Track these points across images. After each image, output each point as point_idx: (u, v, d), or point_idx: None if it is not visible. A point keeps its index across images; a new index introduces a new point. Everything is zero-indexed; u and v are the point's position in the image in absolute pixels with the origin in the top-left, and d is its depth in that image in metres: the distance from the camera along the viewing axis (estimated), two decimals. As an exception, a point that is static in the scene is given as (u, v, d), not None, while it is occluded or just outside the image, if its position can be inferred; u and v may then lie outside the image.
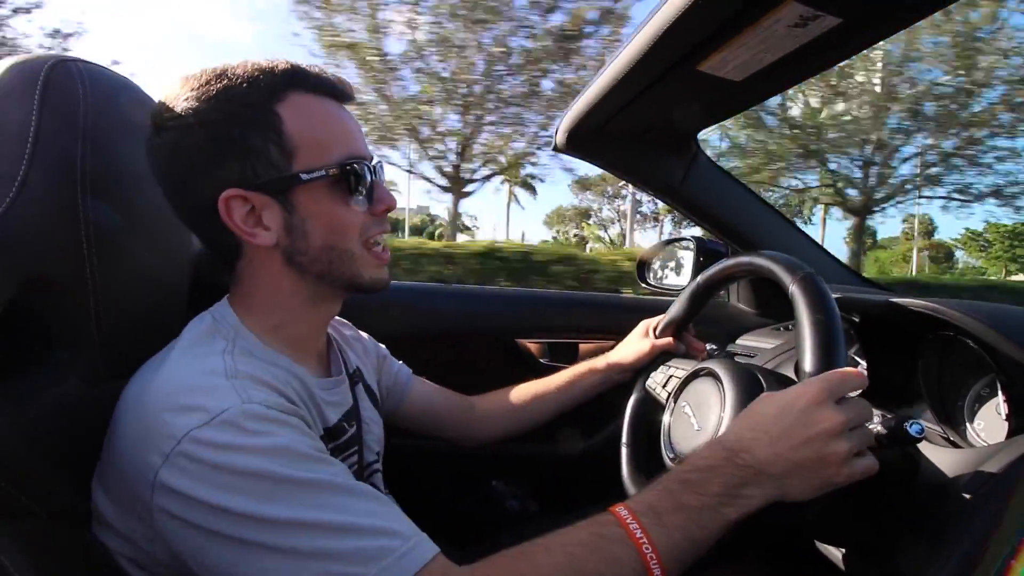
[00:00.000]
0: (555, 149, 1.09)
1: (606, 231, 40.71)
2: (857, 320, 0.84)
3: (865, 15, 0.62)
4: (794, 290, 0.62)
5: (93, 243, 0.56)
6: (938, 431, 0.69)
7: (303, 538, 0.47)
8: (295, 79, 0.59)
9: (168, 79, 0.60)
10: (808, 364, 0.56)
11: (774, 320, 1.26)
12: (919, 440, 0.53)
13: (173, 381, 0.53)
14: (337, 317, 0.87)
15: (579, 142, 1.06)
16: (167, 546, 0.52)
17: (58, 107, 0.53)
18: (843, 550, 0.66)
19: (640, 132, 1.01)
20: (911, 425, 0.53)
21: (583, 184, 34.45)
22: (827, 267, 1.11)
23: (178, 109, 0.56)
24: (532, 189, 35.13)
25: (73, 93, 0.55)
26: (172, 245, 0.72)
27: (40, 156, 0.52)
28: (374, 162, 0.64)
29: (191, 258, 0.78)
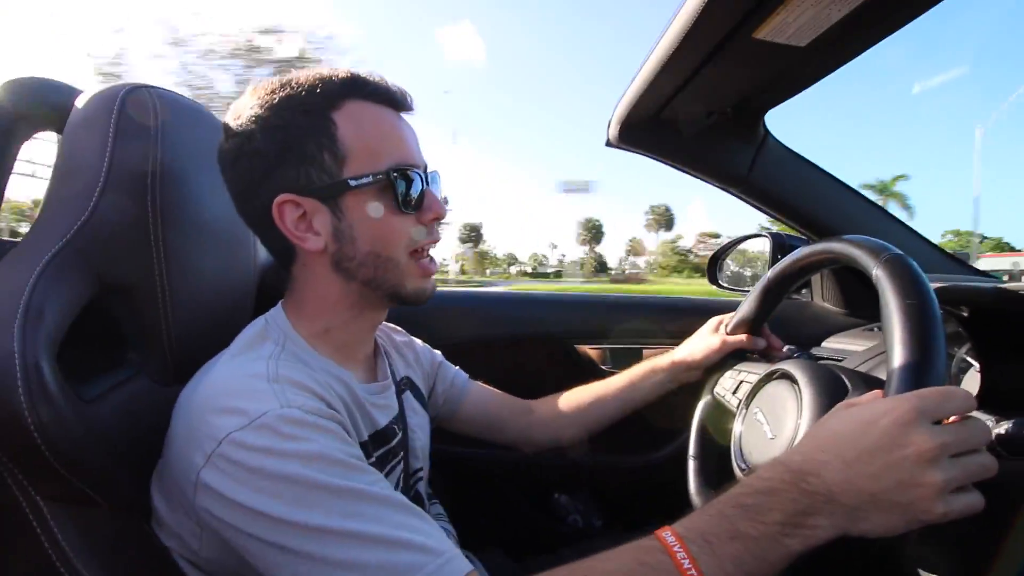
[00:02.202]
0: (608, 144, 1.04)
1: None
2: (967, 315, 0.72)
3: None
4: (878, 274, 0.53)
5: (163, 254, 0.60)
6: None
7: (334, 547, 0.46)
8: (353, 87, 0.60)
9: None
10: (898, 358, 0.47)
11: (866, 320, 1.12)
12: None
13: (218, 384, 0.55)
14: (390, 324, 0.88)
15: (633, 134, 1.00)
16: (212, 543, 0.53)
17: (131, 129, 0.58)
18: None
19: (700, 118, 0.94)
20: None
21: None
22: (926, 256, 0.98)
23: (244, 116, 0.59)
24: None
25: (145, 117, 0.59)
26: (239, 257, 0.76)
27: (115, 174, 0.57)
28: (428, 171, 0.64)
29: (258, 268, 0.82)
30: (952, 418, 0.45)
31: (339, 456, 0.50)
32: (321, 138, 0.58)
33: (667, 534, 0.45)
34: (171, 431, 0.55)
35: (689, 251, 74.63)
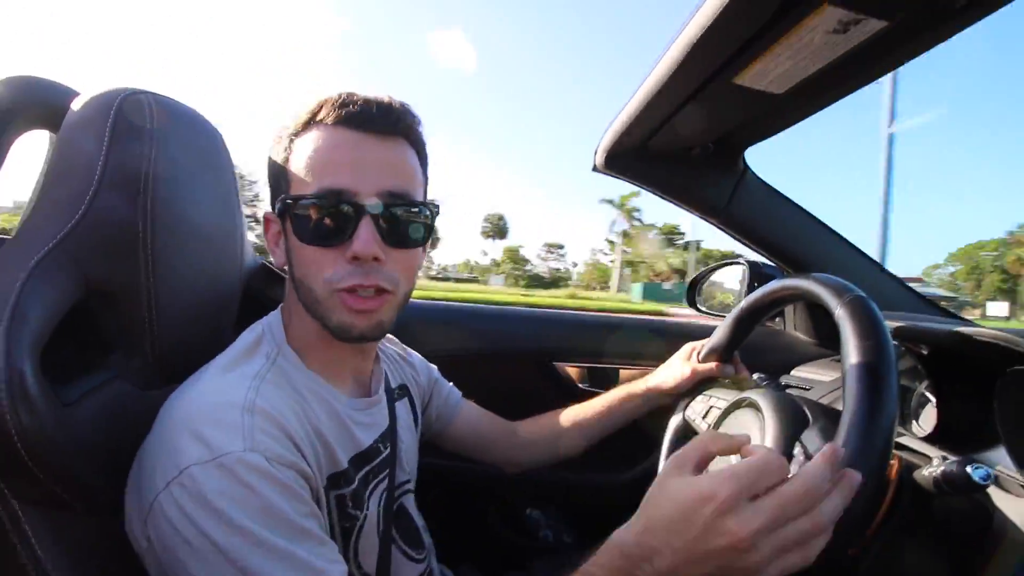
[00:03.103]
0: (594, 169, 1.07)
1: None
2: (926, 353, 0.76)
3: (914, 17, 0.57)
4: (840, 314, 0.57)
5: (151, 258, 0.60)
6: (1018, 479, 0.60)
7: None
8: (317, 112, 0.61)
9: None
10: (852, 397, 0.51)
11: (835, 351, 1.16)
12: (984, 487, 0.46)
13: (198, 401, 0.55)
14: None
15: (619, 162, 1.03)
16: (152, 563, 0.52)
17: (127, 134, 0.59)
18: None
19: (683, 150, 0.98)
20: (976, 469, 0.47)
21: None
22: (892, 293, 1.02)
23: None
24: None
25: (141, 122, 0.60)
26: (225, 262, 0.76)
27: (108, 179, 0.57)
28: (372, 203, 0.58)
29: (243, 274, 0.82)
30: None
31: (288, 515, 0.51)
32: (284, 163, 0.62)
33: None
34: (149, 437, 0.55)
35: (527, 260, 78.11)
